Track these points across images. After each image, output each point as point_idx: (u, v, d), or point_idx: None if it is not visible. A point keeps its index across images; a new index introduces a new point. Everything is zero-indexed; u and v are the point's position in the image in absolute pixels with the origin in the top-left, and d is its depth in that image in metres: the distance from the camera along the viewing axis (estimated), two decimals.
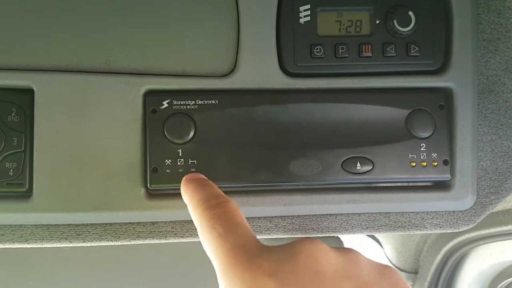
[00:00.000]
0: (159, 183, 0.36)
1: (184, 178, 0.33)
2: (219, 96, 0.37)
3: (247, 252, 0.26)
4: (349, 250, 0.27)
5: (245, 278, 0.24)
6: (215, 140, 0.36)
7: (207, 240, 0.27)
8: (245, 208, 0.38)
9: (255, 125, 0.37)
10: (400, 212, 0.40)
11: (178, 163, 0.36)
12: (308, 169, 0.37)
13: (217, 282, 0.27)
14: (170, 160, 0.36)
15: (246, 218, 0.38)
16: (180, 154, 0.36)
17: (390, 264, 0.76)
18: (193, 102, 0.36)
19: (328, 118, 0.37)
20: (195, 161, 0.36)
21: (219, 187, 0.37)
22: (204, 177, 0.34)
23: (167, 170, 0.36)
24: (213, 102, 0.37)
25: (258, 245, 0.27)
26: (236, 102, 0.37)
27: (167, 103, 0.36)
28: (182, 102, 0.36)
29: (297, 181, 0.37)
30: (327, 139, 0.37)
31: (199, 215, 0.29)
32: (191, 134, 0.36)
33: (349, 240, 0.80)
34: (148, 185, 0.36)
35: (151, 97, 0.36)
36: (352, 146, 0.37)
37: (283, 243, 0.27)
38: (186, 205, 0.37)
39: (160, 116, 0.36)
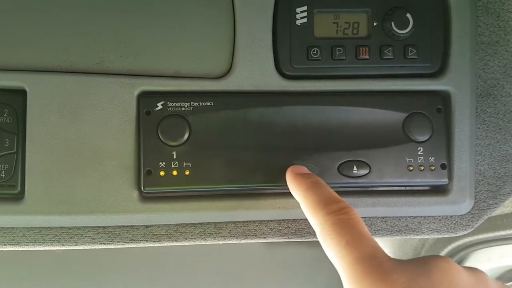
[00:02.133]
0: (153, 185, 0.35)
1: (290, 171, 0.34)
2: (214, 98, 0.36)
3: (380, 264, 0.25)
4: (477, 270, 0.28)
5: None
6: (210, 143, 0.36)
7: (333, 246, 0.27)
8: (240, 212, 0.37)
9: (251, 128, 0.36)
10: (397, 217, 0.40)
11: (172, 166, 0.35)
12: None
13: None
14: (164, 163, 0.35)
15: (241, 222, 0.38)
16: (175, 157, 0.35)
17: None
18: (187, 104, 0.36)
19: (325, 121, 0.37)
20: (190, 163, 0.36)
21: (213, 190, 0.37)
22: (309, 172, 0.34)
23: (161, 173, 0.35)
24: (208, 104, 0.36)
25: (388, 257, 0.26)
26: (231, 104, 0.36)
27: (161, 105, 0.36)
28: (176, 104, 0.36)
29: None
30: (323, 142, 0.37)
31: (321, 218, 0.29)
32: (186, 136, 0.36)
33: None
34: (142, 187, 0.35)
35: (145, 98, 0.36)
36: (348, 150, 0.37)
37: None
38: (181, 208, 0.37)
39: (154, 117, 0.36)
